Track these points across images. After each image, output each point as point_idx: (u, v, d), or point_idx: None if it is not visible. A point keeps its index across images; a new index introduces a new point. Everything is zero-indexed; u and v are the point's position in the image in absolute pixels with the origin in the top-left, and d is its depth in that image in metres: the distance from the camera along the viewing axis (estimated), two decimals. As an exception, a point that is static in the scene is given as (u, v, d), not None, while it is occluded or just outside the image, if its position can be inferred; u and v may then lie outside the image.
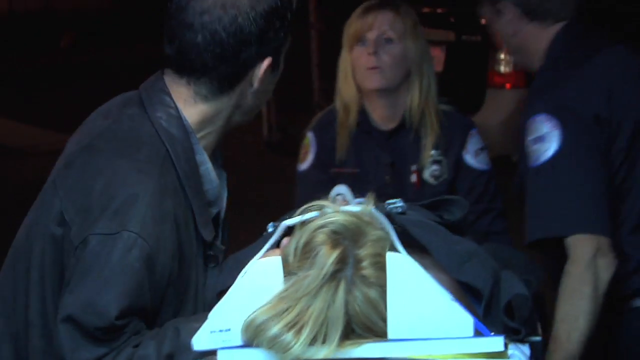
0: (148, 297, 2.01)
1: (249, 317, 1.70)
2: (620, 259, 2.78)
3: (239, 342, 1.75)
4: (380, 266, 1.73)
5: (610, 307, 2.77)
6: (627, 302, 2.89)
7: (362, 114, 3.41)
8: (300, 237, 1.76)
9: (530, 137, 2.78)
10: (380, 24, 3.36)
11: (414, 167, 3.39)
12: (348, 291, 1.70)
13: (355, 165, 3.44)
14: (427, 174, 3.41)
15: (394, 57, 3.35)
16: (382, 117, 3.42)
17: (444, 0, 7.79)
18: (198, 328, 1.80)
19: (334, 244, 1.72)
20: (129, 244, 1.97)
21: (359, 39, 3.37)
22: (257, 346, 1.70)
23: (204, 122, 2.15)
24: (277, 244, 1.90)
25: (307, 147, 3.52)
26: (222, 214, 2.25)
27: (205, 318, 1.83)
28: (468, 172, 3.42)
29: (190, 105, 2.14)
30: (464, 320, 1.72)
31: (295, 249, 1.76)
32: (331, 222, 1.74)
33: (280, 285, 1.74)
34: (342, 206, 1.85)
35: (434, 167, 3.41)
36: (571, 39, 2.95)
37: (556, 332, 2.70)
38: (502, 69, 7.16)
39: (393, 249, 1.77)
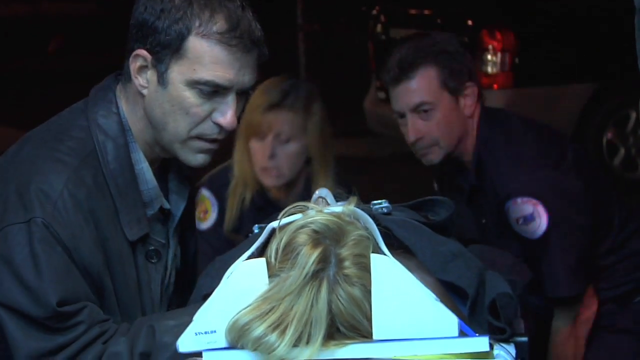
0: (83, 282, 2.02)
1: (232, 318, 1.70)
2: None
3: (225, 344, 1.74)
4: (362, 266, 1.72)
5: None
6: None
7: (258, 185, 3.46)
8: (281, 239, 1.75)
9: (515, 216, 2.97)
10: (279, 125, 3.37)
11: None
12: (331, 290, 1.69)
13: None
14: None
15: (290, 157, 3.39)
16: (279, 195, 3.47)
17: (431, 2, 7.80)
18: (173, 325, 1.80)
19: (315, 244, 1.71)
20: (45, 230, 2.00)
21: (258, 135, 3.38)
22: (242, 347, 1.69)
23: (140, 122, 2.17)
24: (262, 246, 1.90)
25: (207, 206, 3.56)
26: (176, 220, 2.27)
27: (179, 315, 1.84)
28: None
29: (129, 103, 2.17)
30: (449, 320, 1.71)
31: (277, 250, 1.75)
32: (312, 222, 1.74)
33: (264, 287, 1.73)
34: (324, 207, 1.85)
35: None
36: (490, 116, 3.11)
37: None
38: (490, 69, 7.17)
39: (376, 249, 1.77)
